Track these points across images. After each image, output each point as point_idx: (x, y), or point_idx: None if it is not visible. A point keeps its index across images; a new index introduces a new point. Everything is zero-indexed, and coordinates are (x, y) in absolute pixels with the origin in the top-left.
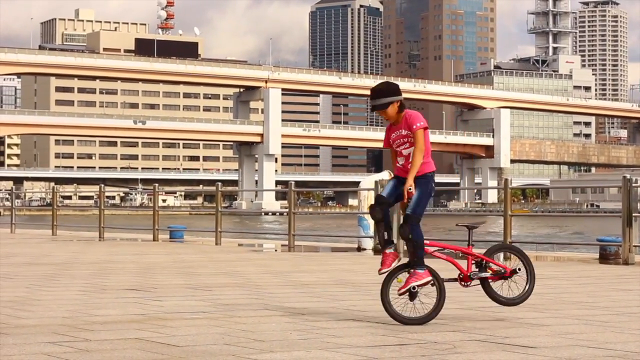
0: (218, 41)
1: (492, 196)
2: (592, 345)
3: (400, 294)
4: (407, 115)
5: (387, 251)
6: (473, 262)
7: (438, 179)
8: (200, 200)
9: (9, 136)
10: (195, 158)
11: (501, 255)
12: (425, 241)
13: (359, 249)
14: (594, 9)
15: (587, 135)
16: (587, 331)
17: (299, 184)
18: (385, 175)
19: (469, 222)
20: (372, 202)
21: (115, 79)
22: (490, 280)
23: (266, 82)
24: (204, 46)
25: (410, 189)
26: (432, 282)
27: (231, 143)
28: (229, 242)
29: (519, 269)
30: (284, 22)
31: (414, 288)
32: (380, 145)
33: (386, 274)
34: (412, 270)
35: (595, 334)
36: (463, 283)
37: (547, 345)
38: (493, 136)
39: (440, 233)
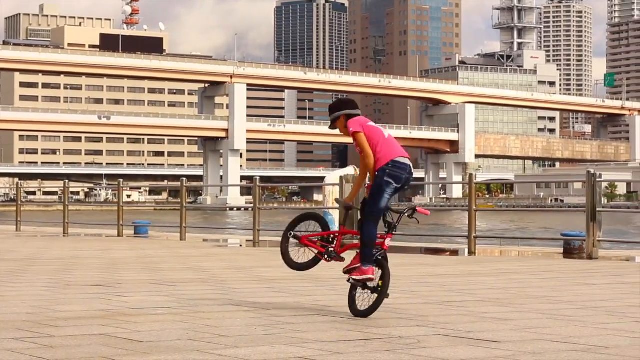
0: (186, 37)
1: (457, 191)
2: (556, 340)
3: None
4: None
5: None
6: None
7: None
8: (165, 195)
9: None
10: (160, 153)
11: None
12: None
13: None
14: (559, 5)
15: (552, 131)
16: (551, 325)
17: (264, 179)
18: (350, 170)
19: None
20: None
21: (79, 75)
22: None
23: (231, 77)
24: (171, 42)
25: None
26: (371, 280)
27: (196, 138)
28: (194, 238)
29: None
30: (251, 17)
31: (348, 280)
32: (345, 140)
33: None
34: (359, 266)
35: (559, 328)
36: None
37: (511, 340)
38: (458, 131)
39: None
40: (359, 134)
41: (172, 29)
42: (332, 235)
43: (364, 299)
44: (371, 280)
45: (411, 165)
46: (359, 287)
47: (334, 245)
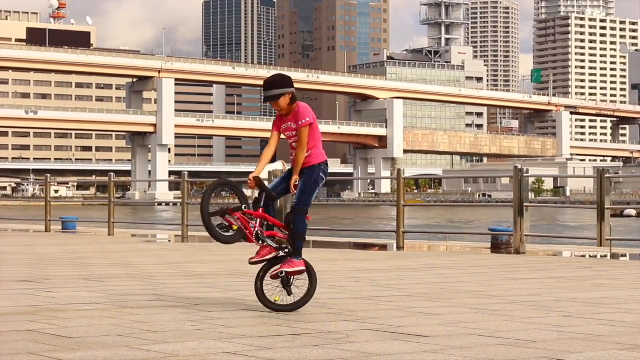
0: (115, 32)
1: (385, 186)
2: (484, 334)
3: (272, 277)
4: (298, 108)
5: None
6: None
7: (331, 169)
8: (93, 190)
9: None
10: (88, 148)
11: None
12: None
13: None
14: (486, 1)
15: (479, 126)
16: (479, 320)
17: (192, 174)
18: (279, 165)
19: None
20: (257, 195)
21: (6, 69)
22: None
23: (159, 72)
24: (100, 36)
25: (296, 182)
26: (302, 272)
27: (124, 133)
28: (122, 233)
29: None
30: (181, 12)
31: (281, 273)
32: None
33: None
34: (288, 258)
35: (487, 322)
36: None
37: (440, 334)
38: (386, 127)
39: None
40: (311, 126)
41: (101, 23)
42: (254, 217)
43: (279, 293)
44: (303, 272)
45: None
46: (266, 280)
47: (262, 229)
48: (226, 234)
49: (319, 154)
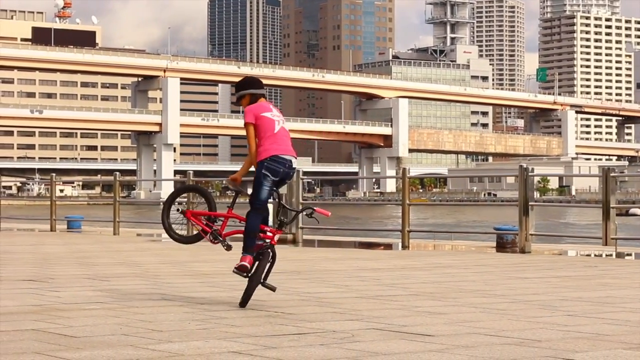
0: (122, 31)
1: (390, 185)
2: (489, 333)
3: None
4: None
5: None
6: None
7: (337, 168)
8: (98, 190)
9: None
10: (93, 148)
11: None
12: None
13: None
14: (492, 0)
15: (485, 125)
16: (484, 319)
17: (197, 173)
18: None
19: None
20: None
21: (11, 68)
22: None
23: (164, 71)
24: (106, 35)
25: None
26: (245, 268)
27: (129, 132)
28: (127, 232)
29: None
30: (187, 11)
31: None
32: None
33: None
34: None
35: (492, 321)
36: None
37: (445, 334)
38: (391, 126)
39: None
40: (248, 126)
41: (107, 22)
42: (219, 218)
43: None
44: (245, 268)
45: (292, 160)
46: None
47: (218, 227)
48: (181, 234)
49: (264, 151)
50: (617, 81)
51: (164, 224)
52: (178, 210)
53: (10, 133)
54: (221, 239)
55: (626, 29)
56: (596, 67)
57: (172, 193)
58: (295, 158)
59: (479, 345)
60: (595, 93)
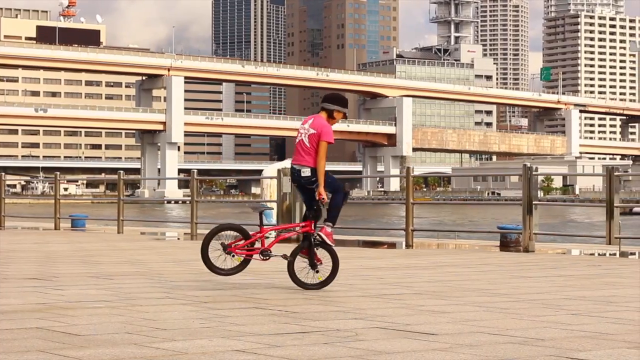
0: (128, 30)
1: (394, 184)
2: (493, 332)
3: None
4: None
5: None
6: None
7: (340, 167)
8: (102, 188)
9: None
10: (97, 146)
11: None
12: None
13: None
14: None
15: (489, 124)
16: (487, 318)
17: (201, 172)
18: (288, 163)
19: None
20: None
21: (16, 67)
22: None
23: (169, 70)
24: (111, 34)
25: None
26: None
27: (133, 131)
28: (132, 231)
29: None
30: (192, 10)
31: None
32: (283, 133)
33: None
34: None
35: (496, 320)
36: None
37: (449, 332)
38: (395, 125)
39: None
40: (328, 145)
41: (113, 21)
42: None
43: (307, 274)
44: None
45: (299, 169)
46: (296, 262)
47: (267, 246)
48: (222, 266)
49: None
50: (621, 80)
51: (207, 264)
52: (222, 248)
53: (15, 132)
54: (270, 253)
55: (630, 28)
56: (600, 66)
57: (206, 236)
58: (306, 166)
59: (482, 344)
60: (599, 92)
